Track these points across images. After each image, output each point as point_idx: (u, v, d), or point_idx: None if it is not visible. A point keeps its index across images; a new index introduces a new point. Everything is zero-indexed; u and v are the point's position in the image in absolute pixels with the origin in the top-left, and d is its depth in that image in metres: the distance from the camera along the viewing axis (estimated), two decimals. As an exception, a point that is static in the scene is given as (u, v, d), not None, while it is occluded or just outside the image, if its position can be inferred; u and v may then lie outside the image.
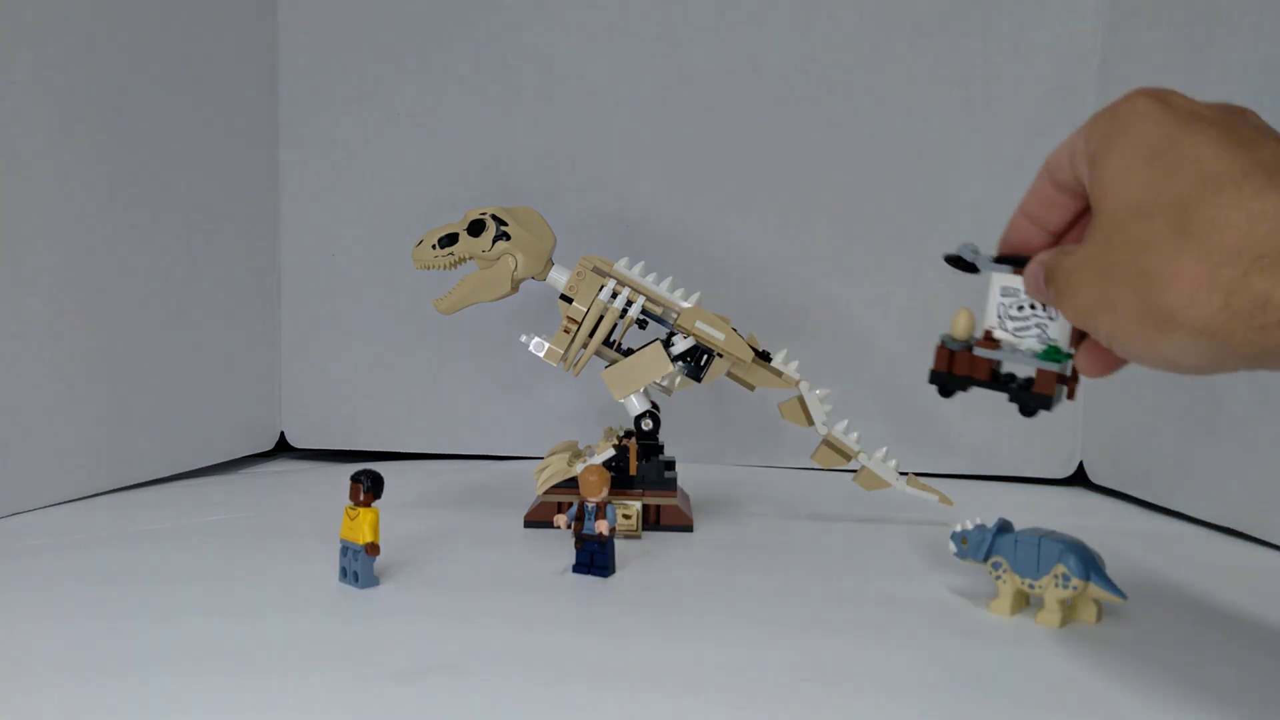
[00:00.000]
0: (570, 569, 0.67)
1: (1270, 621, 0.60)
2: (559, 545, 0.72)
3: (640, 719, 0.45)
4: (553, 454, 0.82)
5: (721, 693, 0.47)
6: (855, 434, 0.80)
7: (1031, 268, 0.43)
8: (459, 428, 1.10)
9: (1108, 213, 0.38)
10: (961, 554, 0.60)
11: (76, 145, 0.84)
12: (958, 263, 0.49)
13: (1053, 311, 0.47)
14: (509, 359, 1.06)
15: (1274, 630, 0.58)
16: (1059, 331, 0.47)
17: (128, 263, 0.90)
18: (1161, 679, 0.49)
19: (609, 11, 1.05)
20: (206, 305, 0.99)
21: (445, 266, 0.77)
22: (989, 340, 0.49)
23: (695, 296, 0.78)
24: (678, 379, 0.78)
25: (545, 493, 0.79)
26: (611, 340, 0.79)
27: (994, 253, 0.48)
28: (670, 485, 0.80)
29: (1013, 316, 0.48)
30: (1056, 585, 0.56)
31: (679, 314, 0.77)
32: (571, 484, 0.78)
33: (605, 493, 0.66)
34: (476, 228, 0.77)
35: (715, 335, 0.76)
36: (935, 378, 0.52)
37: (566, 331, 0.77)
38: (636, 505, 0.77)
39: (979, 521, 0.60)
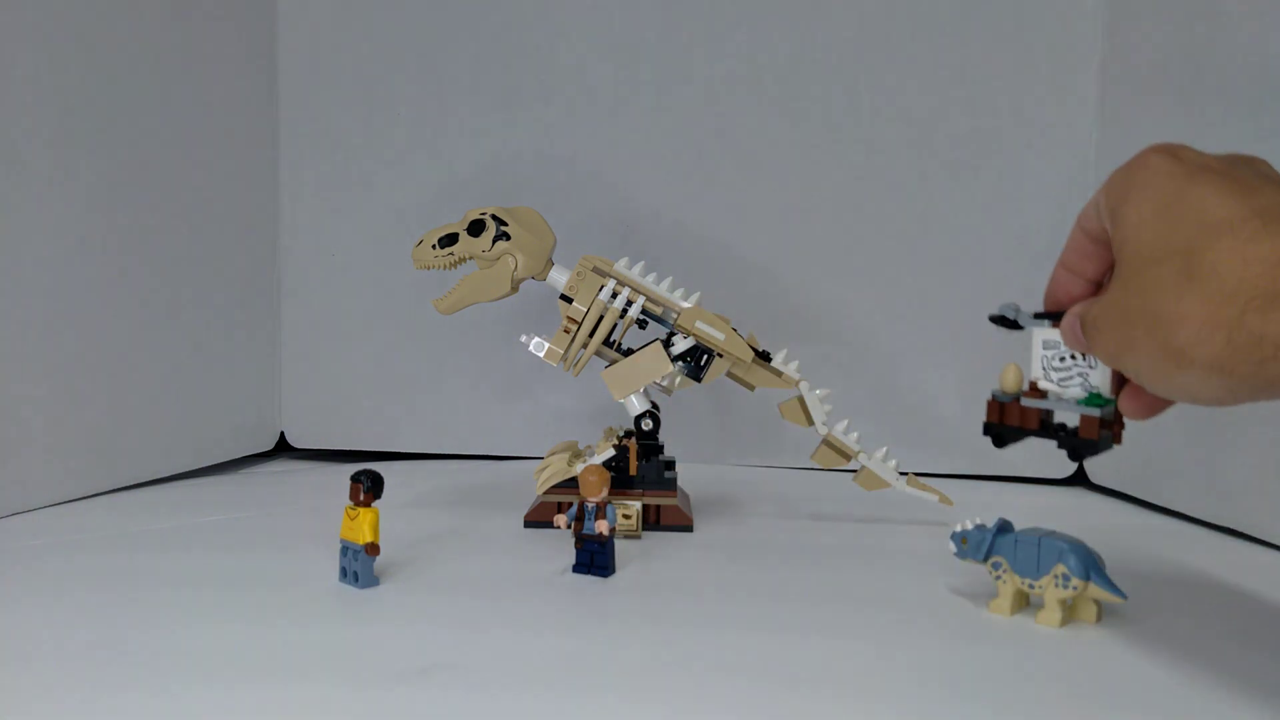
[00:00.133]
0: (570, 569, 0.67)
1: (1270, 621, 0.60)
2: (559, 545, 0.72)
3: (640, 719, 0.45)
4: (553, 454, 0.82)
5: (722, 692, 0.47)
6: (855, 434, 0.80)
7: (1067, 320, 0.47)
8: (459, 428, 1.10)
9: (1125, 261, 0.42)
10: (961, 554, 0.60)
11: (76, 145, 0.84)
12: (1002, 321, 0.53)
13: (1092, 360, 0.50)
14: (509, 359, 1.06)
15: (1274, 630, 0.58)
16: (1100, 379, 0.50)
17: (128, 263, 0.90)
18: (1161, 679, 0.49)
19: (609, 11, 1.05)
20: (206, 305, 0.99)
21: (445, 266, 0.77)
22: (1035, 391, 0.53)
23: (695, 296, 0.78)
24: (678, 379, 0.78)
25: (545, 493, 0.79)
26: (611, 340, 0.79)
27: (1035, 308, 0.52)
28: (670, 485, 0.80)
29: (1056, 367, 0.52)
30: (1056, 585, 0.56)
31: (679, 314, 0.77)
32: (571, 484, 0.78)
33: (605, 493, 0.66)
34: (476, 228, 0.77)
35: (715, 335, 0.76)
36: (989, 429, 0.56)
37: (566, 331, 0.77)
38: (636, 505, 0.77)
39: (979, 521, 0.60)
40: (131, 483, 0.91)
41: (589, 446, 0.83)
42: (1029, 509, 0.87)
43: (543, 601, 0.61)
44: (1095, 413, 0.50)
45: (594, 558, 0.66)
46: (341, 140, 1.08)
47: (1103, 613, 0.58)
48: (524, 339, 0.78)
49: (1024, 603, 0.59)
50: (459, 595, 0.61)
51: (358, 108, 1.08)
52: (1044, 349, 0.52)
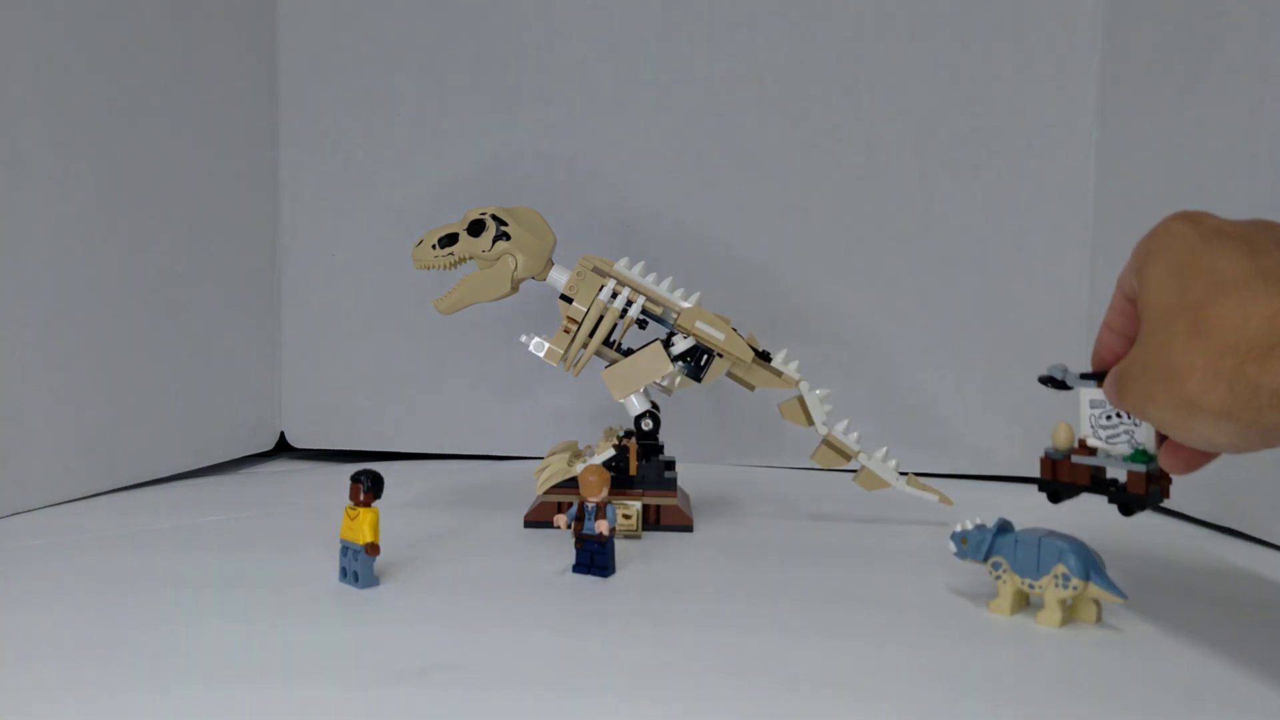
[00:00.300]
0: (570, 569, 0.66)
1: (1270, 621, 0.60)
2: (559, 545, 0.72)
3: (640, 719, 0.45)
4: (553, 454, 0.82)
5: (722, 692, 0.47)
6: (855, 434, 0.80)
7: (1108, 379, 0.49)
8: (459, 428, 1.10)
9: (1147, 319, 0.45)
10: (961, 554, 0.60)
11: (77, 145, 0.84)
12: (1050, 382, 0.56)
13: (1137, 419, 0.52)
14: (509, 359, 1.06)
15: (1274, 630, 0.58)
16: (1145, 436, 0.53)
17: (128, 263, 0.90)
18: (1162, 679, 0.49)
19: (609, 11, 1.05)
20: (206, 305, 0.99)
21: (445, 266, 0.77)
22: (1085, 448, 0.57)
23: (695, 296, 0.78)
24: (678, 379, 0.78)
25: (545, 493, 0.79)
26: (611, 340, 0.79)
27: (1082, 369, 0.54)
28: (670, 485, 0.80)
29: (1103, 425, 0.55)
30: (1056, 585, 0.56)
31: (679, 314, 0.77)
32: (571, 484, 0.78)
33: (605, 493, 0.66)
34: (476, 228, 0.77)
35: (715, 335, 0.76)
36: (1044, 486, 0.60)
37: (566, 331, 0.77)
38: (636, 505, 0.77)
39: (979, 521, 0.60)
40: (131, 483, 0.91)
41: (589, 446, 0.83)
42: (1029, 509, 0.86)
43: (543, 601, 0.61)
44: (1141, 468, 0.53)
45: (594, 558, 0.66)
46: (341, 140, 1.08)
47: (1103, 613, 0.58)
48: (524, 339, 0.78)
49: (1024, 603, 0.59)
50: (459, 595, 0.61)
51: (358, 108, 1.08)
52: (1091, 408, 0.55)
